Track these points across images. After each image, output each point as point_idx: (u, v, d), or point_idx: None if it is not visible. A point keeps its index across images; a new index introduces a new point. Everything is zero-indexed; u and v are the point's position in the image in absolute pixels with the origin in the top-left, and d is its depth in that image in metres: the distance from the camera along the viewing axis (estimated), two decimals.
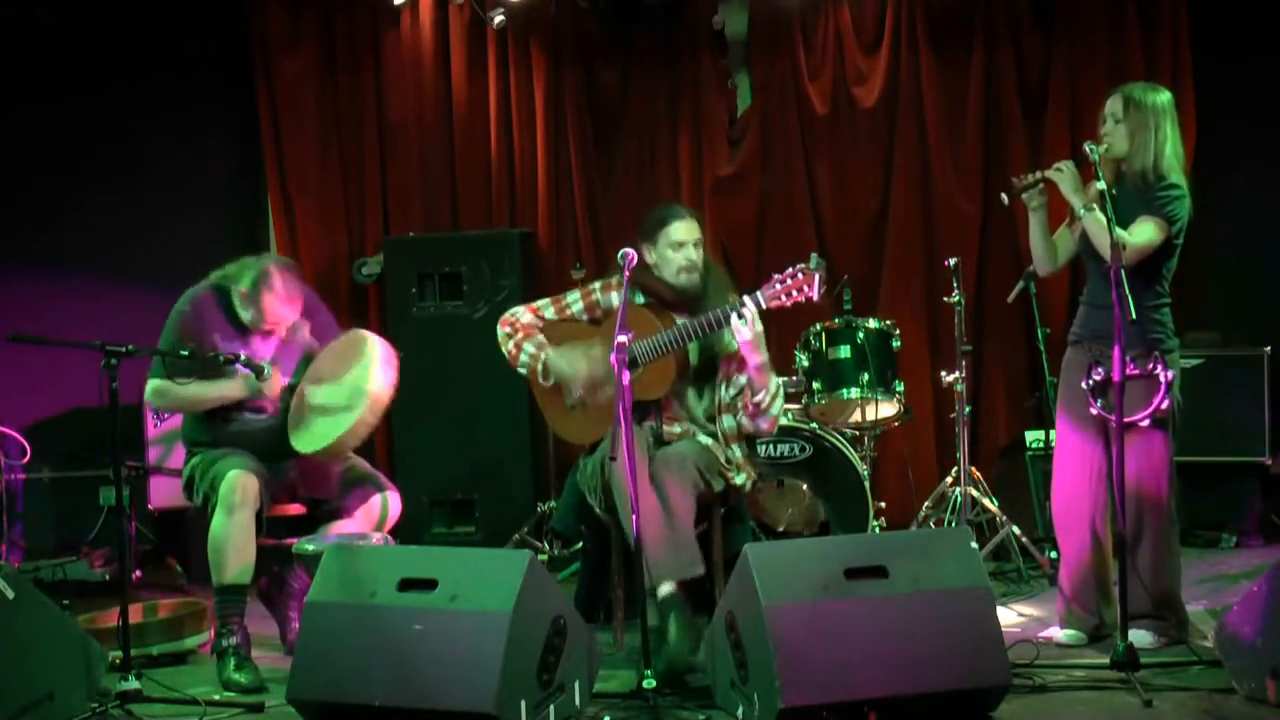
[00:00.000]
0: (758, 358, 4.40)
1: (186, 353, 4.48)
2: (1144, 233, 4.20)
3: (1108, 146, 4.27)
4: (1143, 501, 4.25)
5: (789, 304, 4.30)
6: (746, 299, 4.33)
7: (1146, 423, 4.19)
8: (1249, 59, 6.31)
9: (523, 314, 4.74)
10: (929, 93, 6.44)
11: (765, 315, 4.42)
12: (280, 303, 4.61)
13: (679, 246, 4.53)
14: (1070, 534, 4.43)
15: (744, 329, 4.31)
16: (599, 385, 4.58)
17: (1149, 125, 4.26)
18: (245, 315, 4.62)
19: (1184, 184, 4.28)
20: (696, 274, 4.54)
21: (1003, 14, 6.40)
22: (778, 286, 4.29)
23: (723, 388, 4.60)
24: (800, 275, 4.26)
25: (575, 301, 4.73)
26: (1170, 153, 4.27)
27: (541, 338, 4.67)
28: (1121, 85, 4.41)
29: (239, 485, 4.39)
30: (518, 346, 4.67)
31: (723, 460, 4.53)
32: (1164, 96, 4.32)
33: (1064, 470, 4.45)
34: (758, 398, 4.49)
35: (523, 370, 4.68)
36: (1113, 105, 4.33)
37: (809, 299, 4.26)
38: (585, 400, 4.61)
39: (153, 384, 4.60)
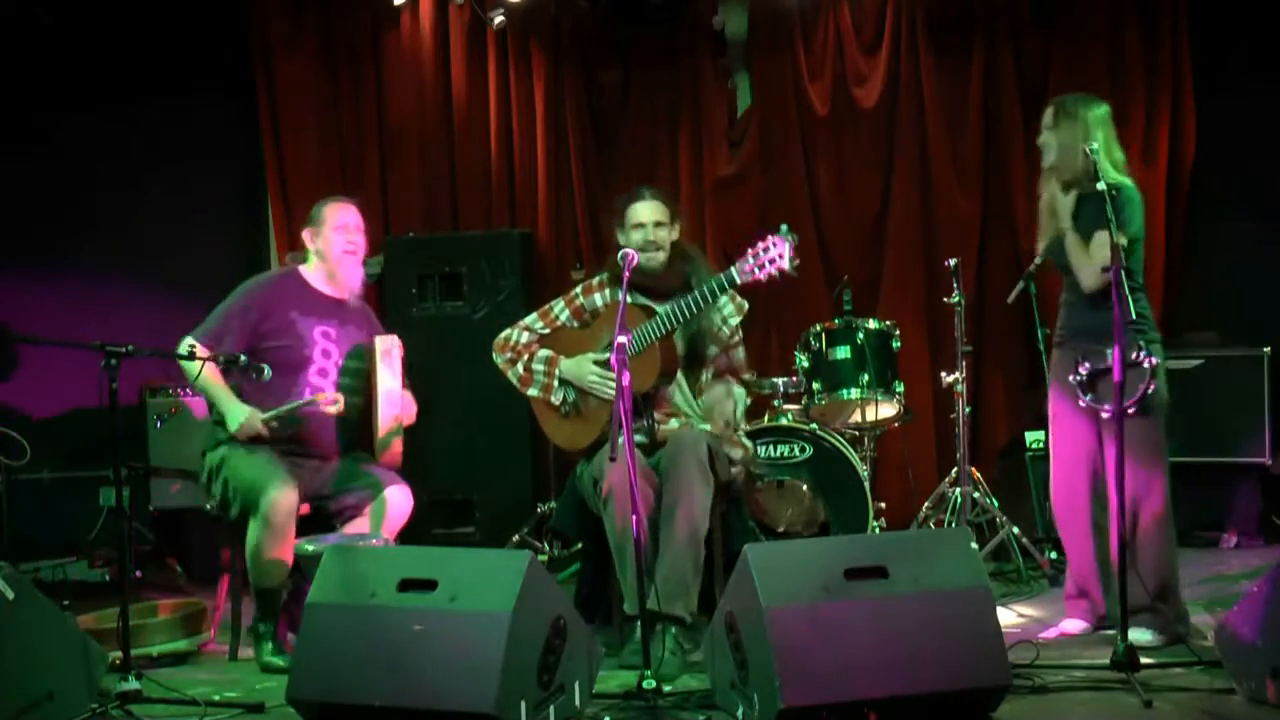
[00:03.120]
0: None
1: (185, 353, 4.50)
2: (1099, 250, 4.21)
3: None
4: (1139, 488, 4.25)
5: (763, 276, 4.30)
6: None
7: (1133, 410, 4.18)
8: (1249, 59, 6.31)
9: (515, 334, 4.76)
10: (929, 93, 6.44)
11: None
12: (343, 207, 4.79)
13: (638, 227, 4.58)
14: (1071, 525, 4.48)
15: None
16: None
17: (1076, 134, 4.28)
18: (314, 246, 4.77)
19: (1123, 180, 4.27)
20: (660, 254, 4.58)
21: (1003, 15, 6.40)
22: (750, 261, 4.30)
23: (707, 375, 4.64)
24: (772, 246, 4.26)
25: (562, 310, 4.76)
26: (1103, 158, 4.24)
27: (548, 351, 4.69)
28: (1058, 95, 4.46)
29: (283, 508, 4.42)
30: (527, 369, 4.69)
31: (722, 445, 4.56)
32: (1098, 110, 4.33)
33: (1060, 464, 4.50)
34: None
35: (534, 392, 4.69)
36: (1045, 115, 4.39)
37: (781, 271, 4.26)
38: (579, 404, 4.63)
39: (187, 344, 4.55)
